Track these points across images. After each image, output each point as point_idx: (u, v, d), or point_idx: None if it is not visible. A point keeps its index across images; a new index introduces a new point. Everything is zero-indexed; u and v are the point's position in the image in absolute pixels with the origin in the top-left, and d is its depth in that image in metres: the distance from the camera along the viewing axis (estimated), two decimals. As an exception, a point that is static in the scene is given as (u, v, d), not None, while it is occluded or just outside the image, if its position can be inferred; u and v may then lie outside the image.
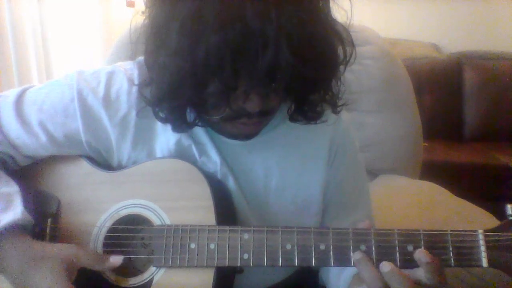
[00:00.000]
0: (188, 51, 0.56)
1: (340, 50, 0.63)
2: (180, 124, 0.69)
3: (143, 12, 0.63)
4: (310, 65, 0.57)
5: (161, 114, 0.69)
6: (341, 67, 0.66)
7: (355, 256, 0.61)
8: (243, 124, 0.67)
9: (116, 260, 0.68)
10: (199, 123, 0.70)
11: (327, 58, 0.61)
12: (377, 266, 0.61)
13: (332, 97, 0.69)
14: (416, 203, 1.26)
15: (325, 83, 0.65)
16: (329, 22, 0.61)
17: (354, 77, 1.36)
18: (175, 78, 0.59)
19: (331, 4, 0.63)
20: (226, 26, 0.53)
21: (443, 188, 1.38)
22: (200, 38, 0.55)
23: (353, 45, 0.65)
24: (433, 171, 1.60)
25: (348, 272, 0.75)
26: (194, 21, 0.55)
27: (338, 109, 0.73)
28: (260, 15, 0.53)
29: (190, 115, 0.69)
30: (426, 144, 1.67)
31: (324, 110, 0.72)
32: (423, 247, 0.60)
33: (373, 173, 1.44)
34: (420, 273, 0.58)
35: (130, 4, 2.15)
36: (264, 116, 0.67)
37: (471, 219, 1.14)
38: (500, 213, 0.62)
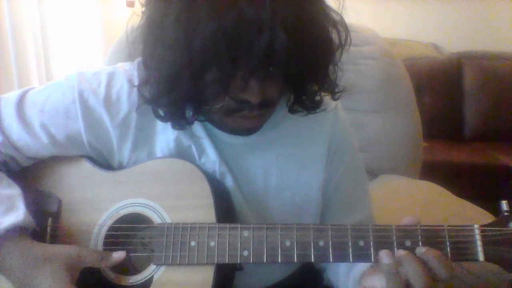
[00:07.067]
0: (185, 42, 0.57)
1: (335, 36, 0.64)
2: (180, 119, 0.69)
3: (142, 13, 0.64)
4: (306, 48, 0.58)
5: (160, 112, 0.69)
6: (338, 54, 0.66)
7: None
8: (244, 118, 0.67)
9: (119, 255, 0.69)
10: (200, 118, 0.71)
11: (322, 41, 0.62)
12: (376, 261, 0.61)
13: (330, 84, 0.70)
14: (416, 203, 1.26)
15: (322, 67, 0.66)
16: (322, 7, 0.62)
17: (354, 77, 1.36)
18: (173, 70, 0.60)
19: (332, 3, 0.63)
20: (221, 14, 0.54)
21: (443, 188, 1.38)
22: (196, 28, 0.55)
23: (347, 30, 0.65)
24: (433, 171, 1.60)
25: (356, 270, 0.75)
26: (189, 12, 0.56)
27: (337, 96, 0.73)
28: (254, 0, 0.54)
29: (189, 112, 0.69)
30: (426, 144, 1.67)
31: (323, 100, 0.72)
32: (420, 243, 0.61)
33: (373, 173, 1.44)
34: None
35: (130, 4, 2.15)
36: (265, 108, 0.67)
37: (471, 219, 1.14)
38: (499, 212, 0.62)
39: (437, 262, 0.58)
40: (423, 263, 0.58)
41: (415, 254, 0.59)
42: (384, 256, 0.59)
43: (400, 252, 0.59)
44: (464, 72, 2.65)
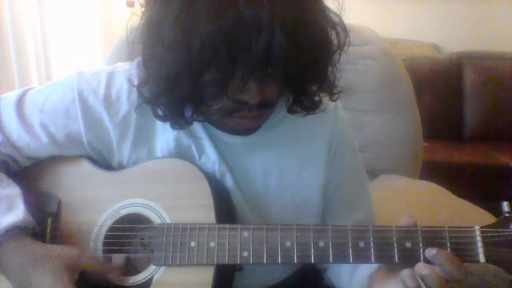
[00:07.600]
0: (184, 43, 0.57)
1: (334, 37, 0.64)
2: (178, 119, 0.69)
3: (142, 13, 0.64)
4: (304, 49, 0.58)
5: (159, 112, 0.69)
6: (337, 55, 0.66)
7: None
8: (243, 118, 0.67)
9: (118, 259, 0.68)
10: (199, 118, 0.71)
11: (321, 42, 0.62)
12: (376, 262, 0.61)
13: (329, 84, 0.70)
14: (416, 203, 1.26)
15: (321, 68, 0.66)
16: (321, 8, 0.62)
17: (354, 77, 1.36)
18: (172, 70, 0.60)
19: (331, 3, 0.63)
20: (219, 15, 0.54)
21: (443, 188, 1.38)
22: (195, 29, 0.56)
23: (346, 31, 0.66)
24: (433, 171, 1.60)
25: (362, 272, 0.75)
26: (188, 13, 0.56)
27: (335, 96, 0.73)
28: (252, 1, 0.54)
29: (188, 112, 0.69)
30: (427, 144, 1.67)
31: (322, 100, 0.72)
32: (421, 244, 0.61)
33: (373, 173, 1.44)
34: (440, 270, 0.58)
35: (130, 4, 2.15)
36: (264, 108, 0.67)
37: (471, 219, 1.14)
38: (500, 213, 0.62)
39: (451, 265, 0.57)
40: (439, 268, 0.58)
41: (433, 268, 0.58)
42: (408, 279, 0.58)
43: (423, 271, 0.58)
44: (464, 72, 2.65)
